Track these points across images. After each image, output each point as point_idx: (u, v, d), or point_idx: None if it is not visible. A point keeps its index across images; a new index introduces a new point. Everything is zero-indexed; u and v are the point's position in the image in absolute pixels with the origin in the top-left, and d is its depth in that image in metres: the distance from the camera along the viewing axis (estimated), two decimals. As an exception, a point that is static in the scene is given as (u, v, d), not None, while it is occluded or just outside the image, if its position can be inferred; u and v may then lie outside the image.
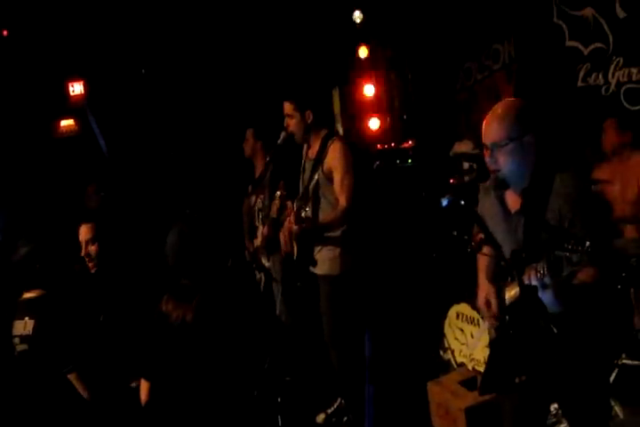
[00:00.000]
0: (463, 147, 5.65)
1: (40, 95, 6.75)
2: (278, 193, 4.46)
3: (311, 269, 4.14)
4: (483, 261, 2.88)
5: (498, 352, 2.72)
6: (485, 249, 2.76)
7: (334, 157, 4.04)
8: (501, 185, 2.64)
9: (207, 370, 2.74)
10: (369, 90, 7.34)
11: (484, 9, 6.22)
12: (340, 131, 7.33)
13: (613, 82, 4.99)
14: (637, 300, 4.15)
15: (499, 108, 2.66)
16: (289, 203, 4.33)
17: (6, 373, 3.18)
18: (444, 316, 4.65)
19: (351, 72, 7.40)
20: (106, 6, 6.58)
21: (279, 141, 4.23)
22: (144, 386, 2.85)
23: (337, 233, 4.07)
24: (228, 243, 5.23)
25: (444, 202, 2.54)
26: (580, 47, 5.21)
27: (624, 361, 4.00)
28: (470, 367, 4.28)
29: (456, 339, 4.53)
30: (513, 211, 2.66)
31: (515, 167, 2.58)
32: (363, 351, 4.36)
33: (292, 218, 4.10)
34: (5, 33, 6.49)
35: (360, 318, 4.29)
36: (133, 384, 3.09)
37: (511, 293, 2.58)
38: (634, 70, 4.84)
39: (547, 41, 5.48)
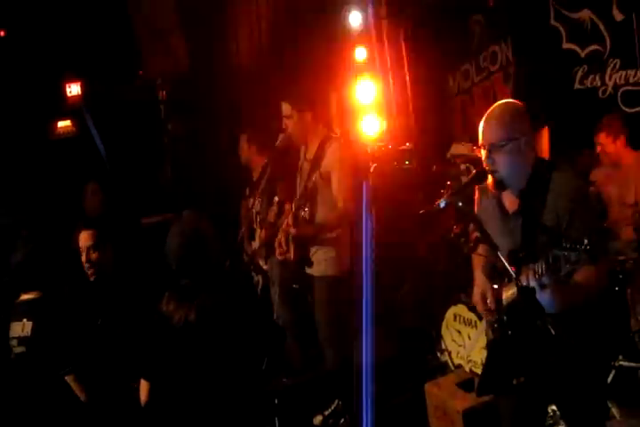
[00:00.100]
0: (461, 148, 5.66)
1: (37, 96, 6.74)
2: (276, 199, 4.47)
3: (307, 270, 4.14)
4: (478, 260, 2.88)
5: (495, 354, 2.72)
6: (481, 249, 2.77)
7: (332, 159, 4.05)
8: (499, 186, 2.65)
9: (207, 370, 2.74)
10: (367, 91, 7.33)
11: (481, 11, 6.25)
12: (338, 133, 7.33)
13: (610, 84, 4.99)
14: (634, 301, 4.15)
15: (496, 110, 2.68)
16: (287, 206, 4.33)
17: (3, 375, 3.17)
18: (441, 318, 4.65)
19: (349, 74, 7.40)
20: (105, 7, 6.58)
21: (277, 143, 4.23)
22: (144, 386, 2.85)
23: (333, 234, 4.08)
24: (226, 245, 5.23)
25: (442, 203, 2.53)
26: (577, 49, 5.22)
27: (621, 363, 4.00)
28: (468, 369, 4.28)
29: (453, 341, 4.53)
30: (510, 212, 2.66)
31: (512, 168, 2.59)
32: (359, 353, 4.35)
33: (289, 220, 4.10)
34: (3, 33, 6.48)
35: (356, 319, 4.29)
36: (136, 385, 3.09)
37: (508, 293, 2.58)
38: (631, 73, 4.85)
39: (544, 43, 5.49)
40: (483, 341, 3.69)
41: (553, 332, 2.24)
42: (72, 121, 7.22)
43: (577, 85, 5.25)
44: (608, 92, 5.02)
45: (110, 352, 3.25)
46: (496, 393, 2.80)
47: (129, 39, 6.85)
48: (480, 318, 4.09)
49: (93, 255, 3.56)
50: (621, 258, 4.15)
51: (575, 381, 2.57)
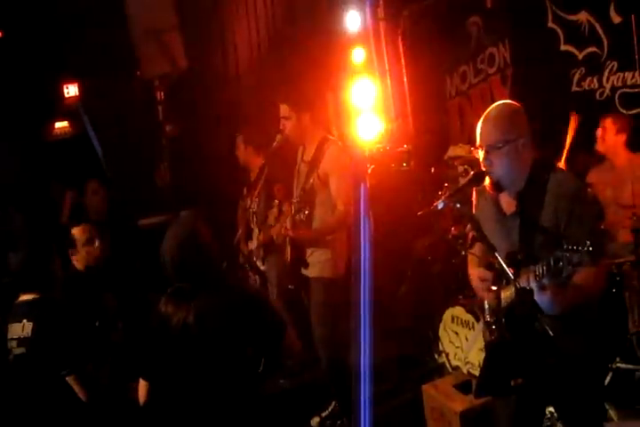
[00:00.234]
0: (458, 150, 5.66)
1: (34, 97, 6.73)
2: (276, 202, 4.47)
3: (303, 271, 4.14)
4: (474, 260, 2.88)
5: (493, 355, 2.71)
6: (478, 250, 2.77)
7: (330, 162, 4.04)
8: (496, 187, 2.65)
9: (206, 371, 2.73)
10: (364, 93, 7.34)
11: (479, 13, 6.26)
12: (336, 135, 7.33)
13: (608, 86, 5.00)
14: (631, 304, 4.16)
15: (493, 111, 2.68)
16: (286, 208, 4.33)
17: (2, 377, 3.16)
18: (439, 319, 4.65)
19: (346, 75, 7.40)
20: (102, 8, 6.57)
21: (275, 144, 4.23)
22: (142, 387, 2.84)
23: (330, 236, 4.08)
24: (224, 245, 5.22)
25: (440, 205, 2.53)
26: (575, 51, 5.22)
27: (618, 365, 4.00)
28: (465, 371, 4.28)
29: (451, 342, 4.53)
30: (508, 213, 2.66)
31: (510, 169, 2.59)
32: (356, 354, 4.35)
33: (287, 223, 4.10)
34: (0, 34, 6.47)
35: (353, 320, 4.29)
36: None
37: (506, 294, 2.57)
38: (628, 75, 4.86)
39: (541, 45, 5.49)
40: (480, 342, 3.69)
41: (551, 333, 2.24)
42: (69, 122, 7.21)
43: (574, 87, 5.26)
44: (605, 95, 5.03)
45: (109, 354, 3.24)
46: (494, 395, 2.79)
47: (126, 40, 6.85)
48: (477, 320, 4.10)
49: (85, 249, 3.56)
50: (618, 260, 4.16)
51: (573, 382, 2.57)
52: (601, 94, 5.07)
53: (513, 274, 2.40)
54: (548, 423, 3.43)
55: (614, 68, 4.94)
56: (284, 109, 4.12)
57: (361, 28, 7.19)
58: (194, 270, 2.77)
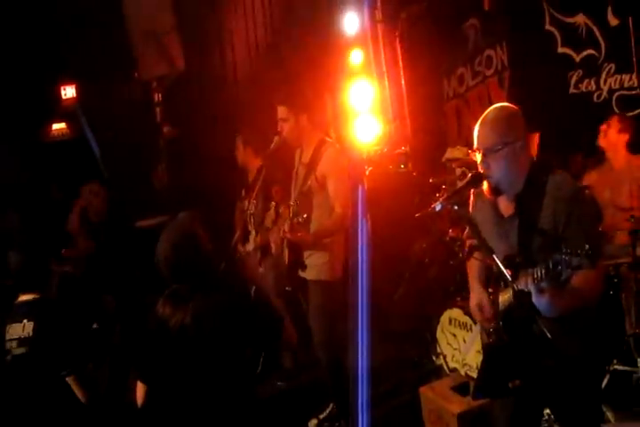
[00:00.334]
0: (456, 153, 5.66)
1: (32, 98, 6.73)
2: (273, 204, 4.46)
3: (301, 273, 4.14)
4: (474, 267, 2.88)
5: (491, 357, 2.72)
6: (476, 254, 2.77)
7: (328, 164, 4.04)
8: (494, 191, 2.65)
9: (204, 373, 2.73)
10: (362, 95, 7.34)
11: (476, 15, 6.27)
12: (333, 137, 7.34)
13: (605, 89, 5.01)
14: (628, 306, 4.16)
15: (490, 114, 2.67)
16: (283, 210, 4.32)
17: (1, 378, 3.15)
18: (436, 321, 4.65)
19: (344, 77, 7.40)
20: (101, 9, 6.57)
21: (272, 146, 4.22)
22: (140, 389, 2.84)
23: (328, 239, 4.07)
24: (221, 247, 5.22)
25: (438, 207, 2.53)
26: (572, 54, 5.24)
27: (616, 367, 4.01)
28: (463, 373, 4.28)
29: (448, 344, 4.53)
30: (506, 215, 2.66)
31: (508, 172, 2.59)
32: (354, 356, 4.35)
33: (285, 226, 4.10)
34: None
35: (351, 322, 4.29)
36: None
37: (504, 297, 2.58)
38: (625, 77, 4.87)
39: (539, 47, 5.50)
40: (478, 344, 3.70)
41: (549, 336, 2.24)
42: (67, 123, 7.21)
43: (572, 90, 5.27)
44: (603, 97, 5.04)
45: (108, 355, 3.24)
46: (492, 397, 2.80)
47: (124, 42, 6.85)
48: (475, 322, 4.10)
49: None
50: (615, 261, 4.16)
51: (570, 384, 2.57)
52: (598, 97, 5.08)
53: (511, 276, 2.40)
54: (546, 425, 3.44)
55: (612, 71, 4.95)
56: (281, 111, 4.11)
57: (359, 30, 7.20)
58: (189, 271, 2.77)
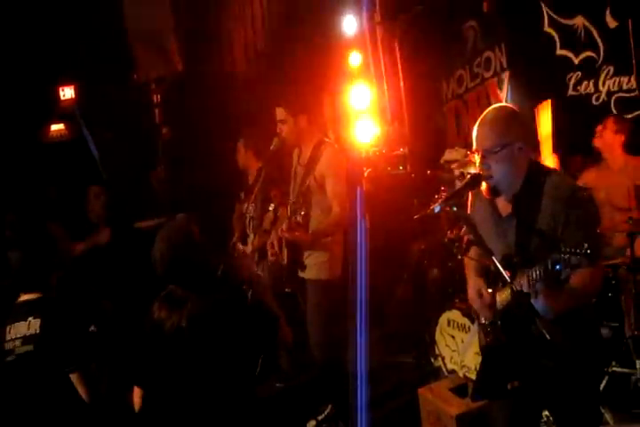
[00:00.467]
0: (454, 154, 5.67)
1: (31, 99, 6.73)
2: (272, 206, 4.46)
3: (300, 273, 4.14)
4: (471, 263, 2.88)
5: (490, 359, 2.72)
6: (473, 253, 2.77)
7: (326, 164, 4.05)
8: (493, 192, 2.65)
9: (200, 376, 2.72)
10: (361, 97, 7.35)
11: (475, 17, 6.28)
12: (332, 138, 7.34)
13: (604, 91, 5.02)
14: (627, 307, 4.16)
15: (489, 115, 2.67)
16: (281, 213, 4.33)
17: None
18: (435, 323, 4.65)
19: (343, 79, 7.41)
20: (98, 10, 6.57)
21: (272, 147, 4.23)
22: (137, 394, 2.83)
23: (327, 239, 4.08)
24: (219, 249, 5.22)
25: (436, 208, 2.54)
26: (571, 56, 5.24)
27: (614, 369, 4.01)
28: (461, 374, 4.28)
29: (447, 346, 4.52)
30: (504, 215, 2.66)
31: (506, 173, 2.59)
32: (352, 357, 4.35)
33: (284, 226, 4.10)
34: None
35: (349, 323, 4.29)
36: None
37: (502, 297, 2.58)
38: (624, 79, 4.88)
39: (538, 49, 5.51)
40: (475, 345, 3.69)
41: (548, 336, 2.24)
42: (65, 124, 7.20)
43: (570, 92, 5.27)
44: (602, 99, 5.05)
45: (109, 356, 3.22)
46: (490, 398, 2.79)
47: (123, 42, 6.85)
48: (473, 322, 4.09)
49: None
50: (613, 262, 4.17)
51: (569, 386, 2.57)
52: (597, 99, 5.09)
53: (509, 277, 2.40)
54: (544, 427, 3.44)
55: (610, 73, 4.96)
56: (280, 113, 4.12)
57: (357, 31, 7.21)
58: (184, 270, 2.76)
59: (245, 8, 7.26)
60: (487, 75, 6.21)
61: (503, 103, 5.72)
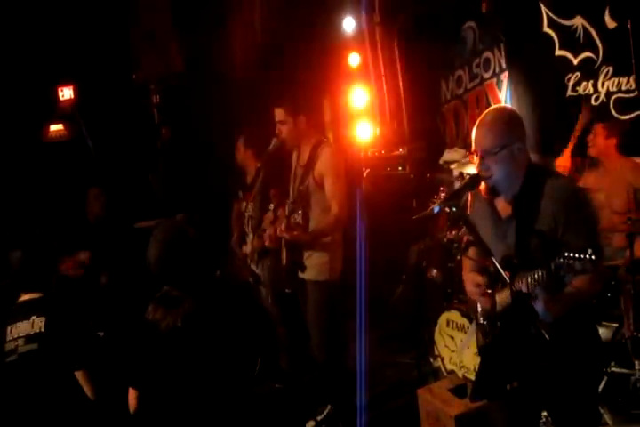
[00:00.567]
0: (454, 155, 5.67)
1: (30, 100, 6.72)
2: (272, 206, 4.47)
3: (300, 274, 4.14)
4: (469, 264, 2.88)
5: (489, 359, 2.72)
6: (471, 252, 2.77)
7: (325, 163, 4.05)
8: (492, 192, 2.65)
9: (197, 377, 2.72)
10: (360, 97, 7.36)
11: (474, 18, 6.29)
12: (331, 138, 7.35)
13: (603, 91, 5.02)
14: (626, 308, 4.16)
15: (488, 116, 2.67)
16: (280, 212, 4.33)
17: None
18: (434, 323, 4.65)
19: (342, 79, 7.42)
20: (97, 11, 6.57)
21: (270, 148, 4.23)
22: (132, 395, 2.82)
23: (327, 239, 4.08)
24: (218, 248, 5.22)
25: (436, 209, 2.54)
26: (570, 56, 5.24)
27: (613, 369, 4.01)
28: (460, 375, 4.28)
29: (446, 346, 4.53)
30: (504, 217, 2.66)
31: (506, 174, 2.59)
32: (352, 357, 4.35)
33: (282, 226, 4.10)
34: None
35: (349, 324, 4.30)
36: None
37: (502, 299, 2.58)
38: (623, 80, 4.88)
39: (537, 50, 5.51)
40: (474, 346, 3.69)
41: (547, 337, 2.24)
42: (64, 125, 7.20)
43: (569, 92, 5.28)
44: (600, 99, 5.05)
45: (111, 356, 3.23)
46: (489, 399, 2.79)
47: (122, 43, 6.85)
48: (472, 322, 4.09)
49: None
50: (612, 263, 4.17)
51: (567, 386, 2.57)
52: (596, 99, 5.09)
53: (509, 278, 2.40)
54: (543, 427, 3.44)
55: (609, 73, 4.96)
56: (279, 113, 4.12)
57: (357, 32, 7.22)
58: (178, 271, 2.76)
59: (245, 8, 7.26)
60: (486, 75, 6.22)
61: (502, 104, 5.74)
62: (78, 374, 3.06)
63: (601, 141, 4.57)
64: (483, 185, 2.65)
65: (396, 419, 4.34)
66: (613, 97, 4.96)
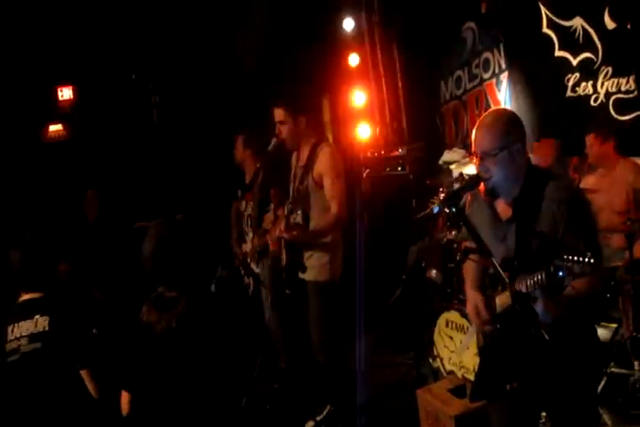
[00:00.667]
0: (453, 155, 5.67)
1: (29, 100, 6.73)
2: (272, 206, 4.47)
3: (300, 275, 4.14)
4: (469, 270, 2.88)
5: (488, 359, 2.72)
6: (473, 256, 2.77)
7: (324, 163, 4.05)
8: (491, 193, 2.65)
9: (191, 379, 2.71)
10: (359, 98, 7.37)
11: (473, 18, 6.29)
12: (330, 139, 7.35)
13: (602, 92, 5.02)
14: (625, 309, 4.17)
15: (488, 118, 2.68)
16: (281, 212, 4.33)
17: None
18: (433, 324, 4.65)
19: (341, 80, 7.42)
20: (96, 11, 6.57)
21: (270, 148, 4.23)
22: (125, 398, 2.82)
23: (327, 239, 4.08)
24: (217, 248, 5.22)
25: (435, 209, 2.54)
26: (570, 57, 5.24)
27: (612, 370, 4.01)
28: (460, 375, 4.29)
29: (445, 347, 4.53)
30: (504, 218, 2.66)
31: (505, 175, 2.60)
32: (351, 358, 4.35)
33: (282, 225, 4.10)
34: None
35: (349, 324, 4.29)
36: None
37: (502, 300, 2.58)
38: (622, 80, 4.88)
39: (536, 51, 5.52)
40: (474, 346, 3.70)
41: (547, 337, 2.24)
42: (64, 125, 7.20)
43: (569, 93, 5.28)
44: (600, 100, 5.05)
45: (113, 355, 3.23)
46: (489, 399, 2.79)
47: (122, 43, 6.85)
48: (471, 322, 4.10)
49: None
50: (612, 265, 4.18)
51: (567, 387, 2.57)
52: (595, 100, 5.09)
53: (509, 279, 2.40)
54: (542, 428, 3.44)
55: (609, 74, 4.96)
56: (279, 114, 4.12)
57: (356, 32, 7.23)
58: (172, 270, 2.75)
59: (245, 9, 7.26)
60: (486, 76, 6.22)
61: (502, 106, 5.75)
62: (83, 373, 3.07)
63: (597, 149, 4.59)
64: (482, 186, 2.65)
65: (396, 419, 4.35)
66: (613, 98, 4.96)
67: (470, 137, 2.69)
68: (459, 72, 6.61)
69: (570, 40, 5.21)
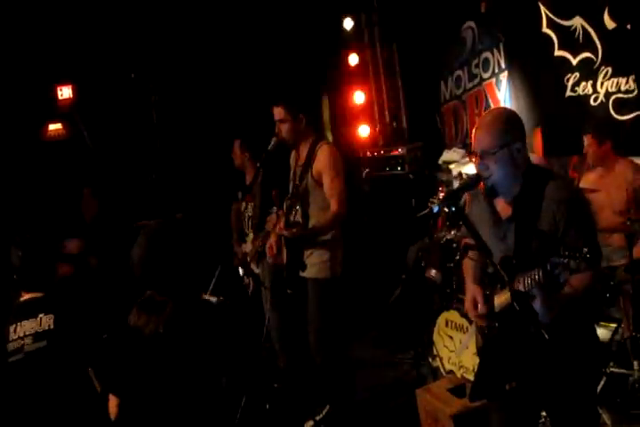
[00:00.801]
0: (453, 155, 5.68)
1: (29, 99, 6.72)
2: (274, 208, 4.47)
3: (300, 273, 4.14)
4: (468, 265, 2.89)
5: (488, 359, 2.72)
6: (471, 254, 2.77)
7: (323, 161, 4.06)
8: (491, 192, 2.65)
9: (180, 383, 2.70)
10: (359, 97, 7.37)
11: (473, 18, 6.29)
12: (330, 138, 7.35)
13: (602, 91, 5.02)
14: (625, 308, 4.17)
15: (487, 117, 2.69)
16: (281, 213, 4.33)
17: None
18: (433, 323, 4.65)
19: (341, 79, 7.42)
20: (95, 11, 6.57)
21: (270, 147, 4.23)
22: (113, 402, 2.79)
23: (327, 237, 4.09)
24: (216, 249, 5.21)
25: (435, 208, 2.54)
26: (569, 57, 5.24)
27: (612, 369, 4.01)
28: (459, 375, 4.28)
29: (445, 346, 4.52)
30: (503, 217, 2.66)
31: (505, 174, 2.60)
32: (351, 357, 4.35)
33: (281, 224, 4.10)
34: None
35: (348, 323, 4.29)
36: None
37: (501, 299, 2.58)
38: (622, 80, 4.88)
39: (536, 50, 5.52)
40: (473, 346, 3.69)
41: (546, 336, 2.24)
42: (63, 124, 7.20)
43: (569, 93, 5.28)
44: (600, 100, 5.05)
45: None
46: (488, 399, 2.79)
47: (121, 42, 6.84)
48: (471, 322, 4.10)
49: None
50: (612, 264, 4.18)
51: (566, 387, 2.57)
52: (595, 100, 5.09)
53: (507, 277, 2.40)
54: (542, 427, 3.44)
55: (608, 74, 4.96)
56: (278, 113, 4.13)
57: (356, 32, 7.23)
58: (161, 274, 2.74)
59: (244, 8, 7.26)
60: (485, 75, 6.22)
61: (501, 105, 5.74)
62: (91, 371, 3.06)
63: (595, 150, 4.58)
64: (482, 185, 2.65)
65: (395, 419, 4.34)
66: (612, 97, 4.96)
67: (470, 137, 2.69)
68: (458, 72, 6.61)
69: (569, 40, 5.21)
